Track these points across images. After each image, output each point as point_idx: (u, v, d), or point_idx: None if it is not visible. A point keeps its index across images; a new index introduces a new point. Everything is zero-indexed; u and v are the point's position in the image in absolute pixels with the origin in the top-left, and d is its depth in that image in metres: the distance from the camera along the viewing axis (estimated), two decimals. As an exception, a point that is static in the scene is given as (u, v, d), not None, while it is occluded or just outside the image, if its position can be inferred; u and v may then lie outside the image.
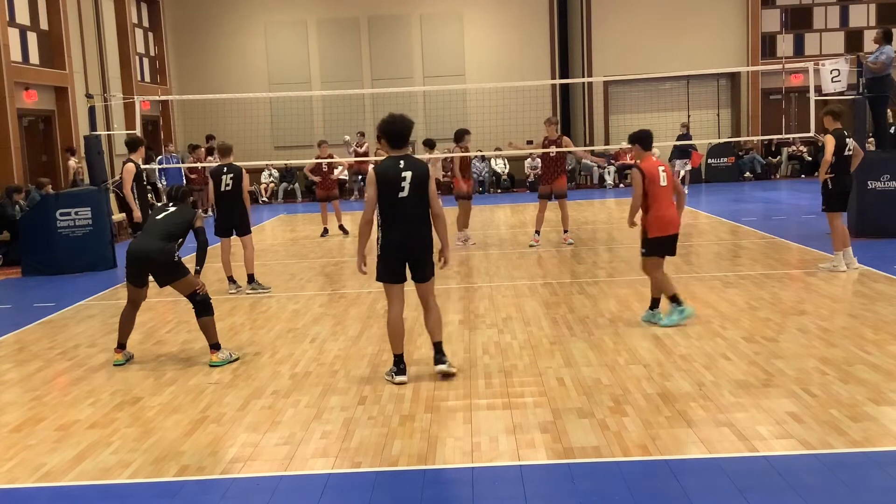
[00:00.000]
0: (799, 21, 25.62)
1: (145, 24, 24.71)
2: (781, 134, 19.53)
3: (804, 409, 5.54)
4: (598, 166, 24.49)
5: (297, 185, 24.74)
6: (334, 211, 16.15)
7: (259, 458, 5.15)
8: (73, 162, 18.01)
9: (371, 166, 7.84)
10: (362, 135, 23.08)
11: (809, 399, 5.72)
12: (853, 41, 24.65)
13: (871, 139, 13.80)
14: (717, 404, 5.72)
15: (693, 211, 16.86)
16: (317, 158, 16.07)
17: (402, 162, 6.34)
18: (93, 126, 14.07)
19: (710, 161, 24.68)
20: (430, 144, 14.72)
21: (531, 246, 13.30)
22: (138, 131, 13.39)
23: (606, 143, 25.01)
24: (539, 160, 15.21)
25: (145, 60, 24.31)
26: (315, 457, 5.13)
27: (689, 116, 24.40)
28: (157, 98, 20.47)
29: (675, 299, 7.88)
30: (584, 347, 7.32)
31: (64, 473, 5.05)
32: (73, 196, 13.37)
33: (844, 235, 10.09)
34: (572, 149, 14.93)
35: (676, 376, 6.37)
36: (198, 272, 7.32)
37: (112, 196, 14.17)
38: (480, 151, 20.29)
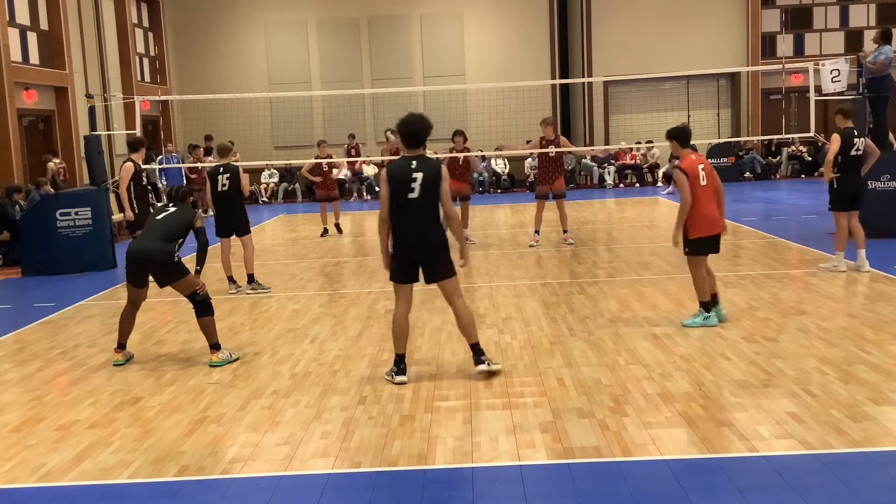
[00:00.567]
0: (799, 21, 25.63)
1: (145, 24, 24.72)
2: (781, 134, 19.55)
3: (804, 409, 5.54)
4: (599, 165, 24.50)
5: (297, 185, 24.75)
6: (333, 211, 16.18)
7: (259, 458, 5.15)
8: (52, 164, 17.90)
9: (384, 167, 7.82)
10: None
11: (809, 399, 5.72)
12: (853, 41, 24.65)
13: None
14: (717, 404, 5.72)
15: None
16: (316, 158, 16.08)
17: (414, 162, 6.33)
18: (93, 126, 14.07)
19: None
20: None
21: (531, 246, 13.30)
22: (138, 131, 13.39)
23: (606, 143, 25.02)
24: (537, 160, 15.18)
25: (145, 60, 24.32)
26: (315, 457, 5.13)
27: (689, 116, 24.41)
28: (157, 98, 20.48)
29: (706, 305, 7.74)
30: (584, 347, 7.32)
31: (64, 473, 5.05)
32: (73, 196, 13.37)
33: (859, 237, 10.03)
34: (571, 149, 14.95)
35: (676, 376, 6.37)
36: (198, 272, 7.32)
37: (112, 196, 14.18)
38: (481, 151, 20.27)
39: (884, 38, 12.51)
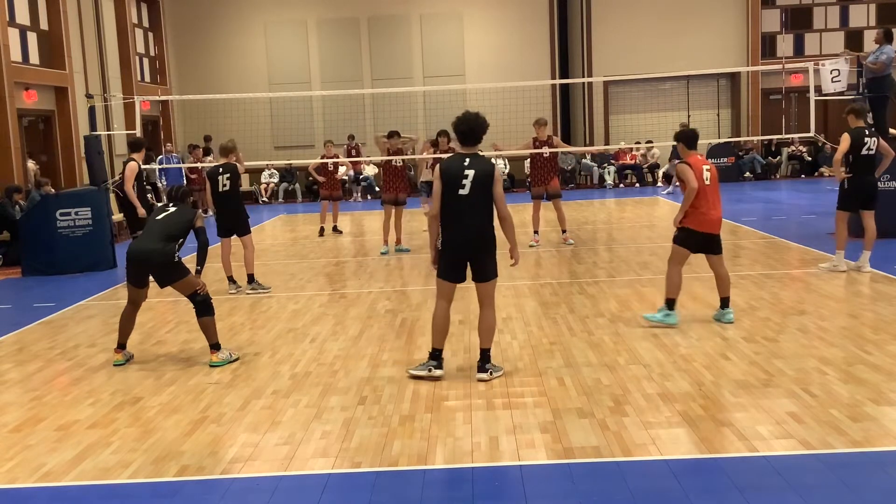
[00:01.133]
0: (799, 21, 25.63)
1: (145, 24, 24.71)
2: (781, 134, 19.54)
3: (804, 409, 5.54)
4: (599, 165, 24.50)
5: (297, 185, 24.75)
6: (333, 211, 16.20)
7: (259, 458, 5.15)
8: (31, 164, 17.83)
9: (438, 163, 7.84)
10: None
11: (809, 399, 5.72)
12: (853, 41, 24.64)
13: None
14: (717, 404, 5.72)
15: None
16: (322, 158, 16.10)
17: (468, 159, 6.41)
18: (93, 126, 14.06)
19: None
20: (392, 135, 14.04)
21: (531, 246, 13.30)
22: (138, 131, 13.39)
23: (606, 143, 25.02)
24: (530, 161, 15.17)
25: (145, 60, 24.31)
26: (315, 457, 5.13)
27: (689, 116, 24.39)
28: (157, 98, 20.47)
29: (671, 302, 7.83)
30: (584, 347, 7.32)
31: (64, 473, 5.05)
32: (73, 196, 13.37)
33: (869, 238, 10.00)
34: (565, 149, 14.95)
35: (676, 376, 6.37)
36: (198, 272, 7.32)
37: (112, 196, 14.17)
38: (480, 151, 20.27)
39: (886, 38, 12.51)
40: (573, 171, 25.02)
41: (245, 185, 11.72)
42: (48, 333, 8.88)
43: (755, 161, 24.88)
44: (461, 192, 6.34)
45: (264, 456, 5.19)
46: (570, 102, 26.67)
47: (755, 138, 24.39)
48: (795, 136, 21.82)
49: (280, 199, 24.57)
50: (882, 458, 4.78)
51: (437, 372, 6.56)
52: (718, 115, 25.60)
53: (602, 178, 24.71)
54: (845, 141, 9.81)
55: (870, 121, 12.81)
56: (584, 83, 24.86)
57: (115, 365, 7.40)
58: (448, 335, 6.79)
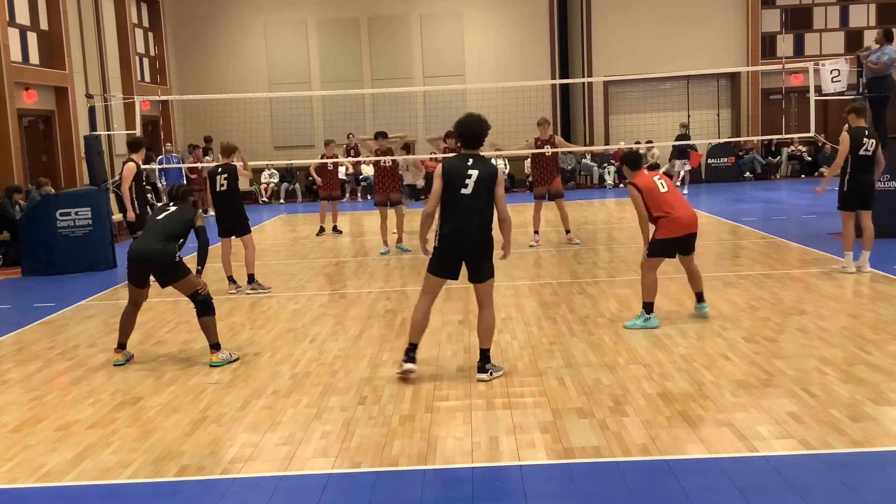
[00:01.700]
0: (799, 21, 25.62)
1: (145, 24, 24.71)
2: (781, 134, 19.52)
3: (804, 409, 5.54)
4: (599, 165, 24.49)
5: (297, 184, 24.75)
6: (332, 211, 16.22)
7: (259, 458, 5.15)
8: None
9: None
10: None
11: (809, 399, 5.72)
12: (853, 41, 24.65)
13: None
14: (717, 404, 5.72)
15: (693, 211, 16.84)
16: (322, 157, 16.11)
17: (471, 160, 6.42)
18: (93, 126, 14.06)
19: (710, 161, 24.69)
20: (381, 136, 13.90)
21: (531, 246, 13.30)
22: (138, 131, 13.38)
23: (606, 143, 25.01)
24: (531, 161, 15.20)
25: (145, 60, 24.31)
26: (315, 457, 5.13)
27: (689, 116, 24.39)
28: (157, 98, 20.46)
29: (649, 306, 7.89)
30: (584, 347, 7.32)
31: (64, 473, 5.05)
32: (73, 196, 13.37)
33: (867, 237, 10.00)
34: (568, 148, 14.95)
35: (676, 376, 6.37)
36: (199, 272, 7.32)
37: (112, 196, 14.18)
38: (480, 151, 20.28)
39: (886, 38, 12.50)
40: (573, 171, 25.02)
41: (245, 185, 11.76)
42: (48, 333, 8.88)
43: (755, 161, 24.89)
44: (464, 191, 6.35)
45: (264, 456, 5.19)
46: (570, 102, 26.67)
47: (755, 138, 24.39)
48: (795, 136, 21.82)
49: (281, 200, 24.57)
50: (882, 458, 4.78)
51: (406, 366, 6.54)
52: (718, 115, 25.60)
53: (602, 178, 24.71)
54: (845, 141, 9.81)
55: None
56: (584, 83, 24.86)
57: (115, 365, 7.40)
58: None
